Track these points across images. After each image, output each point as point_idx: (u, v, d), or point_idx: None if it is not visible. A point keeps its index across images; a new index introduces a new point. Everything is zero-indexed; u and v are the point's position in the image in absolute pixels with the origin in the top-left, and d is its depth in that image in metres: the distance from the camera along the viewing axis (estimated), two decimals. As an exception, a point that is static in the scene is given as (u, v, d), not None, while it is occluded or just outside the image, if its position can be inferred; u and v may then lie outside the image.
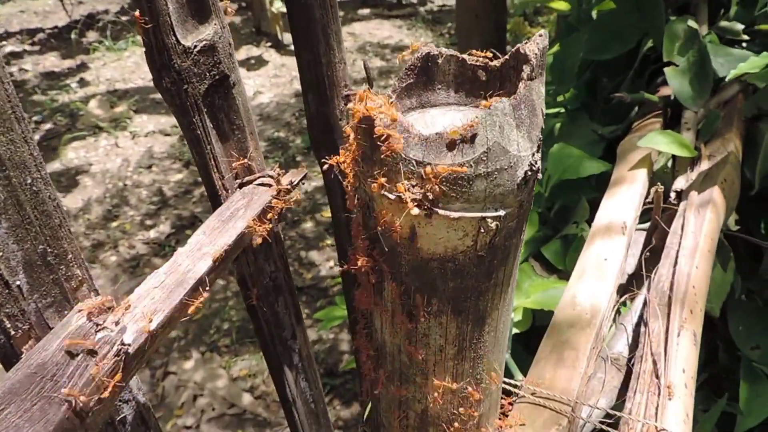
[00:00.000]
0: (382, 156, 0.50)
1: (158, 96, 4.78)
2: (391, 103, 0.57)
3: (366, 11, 6.65)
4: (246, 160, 0.82)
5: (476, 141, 0.49)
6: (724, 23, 1.66)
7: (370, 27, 6.18)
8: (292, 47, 1.03)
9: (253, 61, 5.33)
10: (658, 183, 1.13)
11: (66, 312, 0.58)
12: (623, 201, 1.23)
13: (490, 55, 0.62)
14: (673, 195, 1.27)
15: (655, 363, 0.82)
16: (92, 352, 0.50)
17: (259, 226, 0.77)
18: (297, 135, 4.29)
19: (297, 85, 4.92)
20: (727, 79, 1.23)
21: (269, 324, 1.02)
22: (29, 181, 0.53)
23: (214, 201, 0.85)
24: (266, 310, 1.00)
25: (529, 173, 0.53)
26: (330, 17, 0.95)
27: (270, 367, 1.10)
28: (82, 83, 5.06)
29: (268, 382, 2.44)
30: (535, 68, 0.54)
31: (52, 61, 5.48)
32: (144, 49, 0.69)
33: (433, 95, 0.64)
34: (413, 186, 0.50)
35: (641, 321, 0.96)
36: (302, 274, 3.00)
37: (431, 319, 0.59)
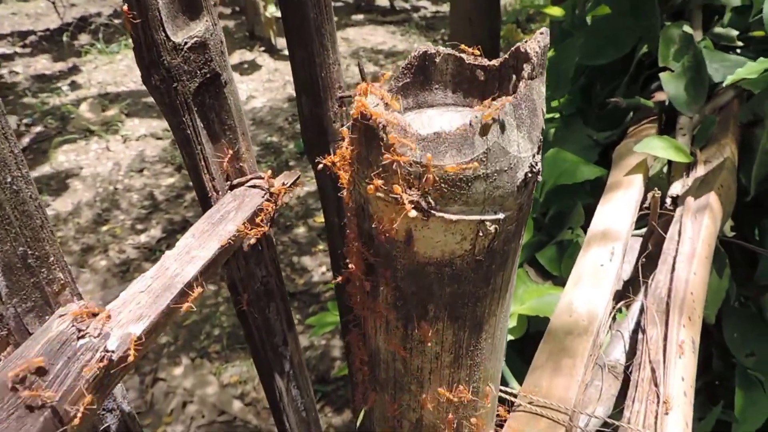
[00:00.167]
0: (380, 158, 0.48)
1: (150, 99, 4.75)
2: (394, 97, 0.56)
3: (360, 17, 6.66)
4: (231, 158, 0.80)
5: (475, 141, 0.48)
6: (718, 29, 1.66)
7: (363, 32, 6.19)
8: (286, 52, 1.01)
9: (246, 66, 5.31)
10: (655, 188, 1.11)
11: (47, 317, 0.55)
12: (619, 206, 1.22)
13: (478, 52, 0.61)
14: (669, 200, 1.26)
15: (653, 371, 0.81)
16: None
17: (251, 229, 0.75)
18: (290, 140, 4.27)
19: (290, 90, 4.90)
20: (724, 85, 1.22)
21: (260, 330, 1.00)
22: (9, 179, 0.51)
23: (204, 203, 0.83)
24: (257, 316, 0.98)
25: (530, 175, 0.51)
26: (324, 17, 0.94)
27: (261, 374, 1.08)
28: (74, 86, 5.02)
29: (259, 388, 2.41)
30: (536, 67, 0.52)
31: (43, 64, 5.44)
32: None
33: (430, 95, 0.63)
34: (410, 187, 0.48)
35: (638, 328, 0.95)
36: (294, 280, 2.98)
37: (427, 325, 0.58)
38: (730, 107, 1.46)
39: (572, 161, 1.56)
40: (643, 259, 1.13)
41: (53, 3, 6.09)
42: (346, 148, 0.52)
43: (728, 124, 1.39)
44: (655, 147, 1.31)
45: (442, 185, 0.48)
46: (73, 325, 0.52)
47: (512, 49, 0.56)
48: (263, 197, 0.81)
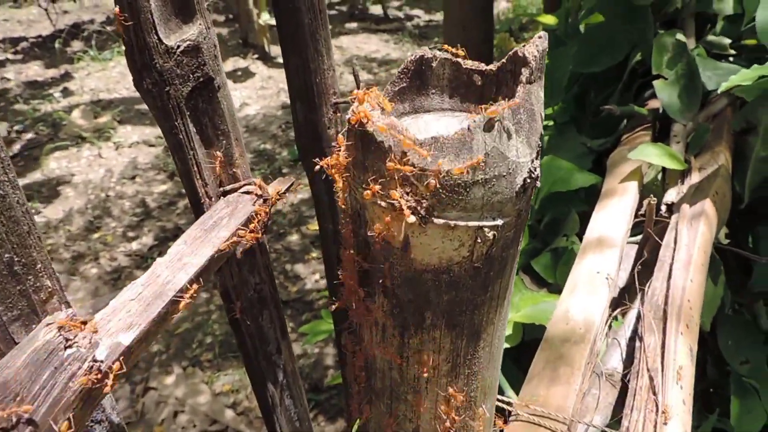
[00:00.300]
0: (377, 163, 0.48)
1: (143, 106, 4.74)
2: (388, 99, 0.55)
3: (353, 25, 6.67)
4: (224, 163, 0.79)
5: (474, 146, 0.47)
6: (711, 38, 1.67)
7: (357, 41, 6.20)
8: (279, 59, 1.00)
9: (239, 73, 5.30)
10: (651, 195, 1.11)
11: (34, 326, 0.54)
12: (614, 214, 1.21)
13: (462, 52, 0.60)
14: (664, 208, 1.25)
15: (651, 379, 0.80)
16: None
17: (244, 234, 0.74)
18: (283, 147, 4.26)
19: (284, 98, 4.90)
20: (718, 91, 1.22)
21: (253, 338, 0.98)
22: (-5, 184, 0.49)
23: (197, 209, 0.82)
24: (250, 324, 0.96)
25: (528, 180, 0.51)
26: (319, 23, 0.93)
27: (253, 383, 1.06)
28: (66, 93, 4.99)
29: (251, 397, 2.38)
30: (535, 71, 0.52)
31: (35, 70, 5.41)
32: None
33: (426, 100, 0.62)
34: (407, 193, 0.47)
35: (635, 336, 0.94)
36: (287, 287, 2.95)
37: (424, 333, 0.57)
38: (724, 115, 1.46)
39: (567, 169, 1.55)
40: (639, 267, 1.12)
41: (46, 10, 6.07)
42: (342, 153, 0.51)
43: (722, 132, 1.39)
44: (649, 154, 1.31)
45: (440, 191, 0.47)
46: (60, 335, 0.51)
47: (510, 53, 0.55)
48: (254, 203, 0.79)
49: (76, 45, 5.92)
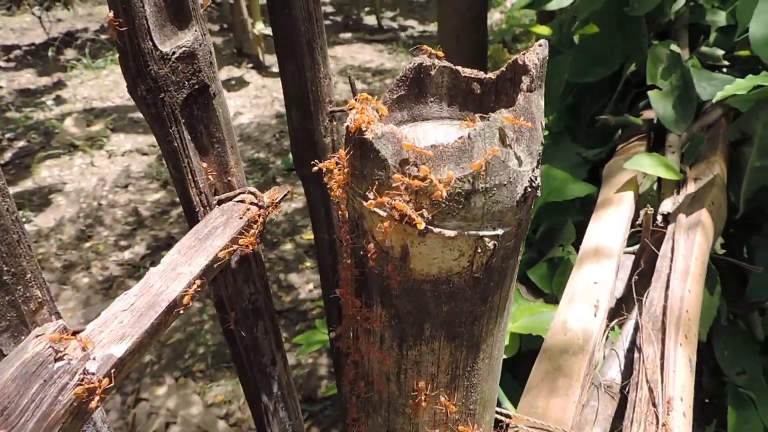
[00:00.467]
0: (376, 171, 0.47)
1: (136, 115, 4.72)
2: (384, 104, 0.54)
3: (348, 35, 6.70)
4: (219, 171, 0.78)
5: (474, 154, 0.46)
6: (704, 49, 1.68)
7: (351, 51, 6.22)
8: (274, 69, 1.00)
9: (233, 82, 5.30)
10: (648, 205, 1.11)
11: (23, 337, 0.52)
12: (611, 224, 1.21)
13: (441, 54, 0.60)
14: (660, 218, 1.25)
15: (651, 391, 0.79)
16: None
17: (240, 243, 0.73)
18: (277, 156, 4.25)
19: (278, 107, 4.89)
20: (713, 101, 1.23)
21: (247, 350, 0.97)
22: (-15, 192, 0.48)
23: (191, 218, 0.81)
24: (245, 335, 0.95)
25: (529, 190, 0.50)
26: (315, 31, 0.93)
27: (248, 395, 1.05)
28: (59, 101, 4.97)
29: (244, 408, 2.36)
30: (535, 79, 0.51)
31: (27, 78, 5.38)
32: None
33: (425, 108, 0.61)
34: (407, 202, 0.47)
35: (634, 347, 0.93)
36: (281, 297, 2.93)
37: (423, 345, 0.55)
38: (718, 125, 1.47)
39: (562, 178, 1.55)
40: (636, 277, 1.12)
41: (39, 18, 6.05)
42: (340, 161, 0.51)
43: (717, 142, 1.40)
44: (644, 164, 1.31)
45: (440, 200, 0.46)
46: (50, 346, 0.49)
47: (510, 61, 0.55)
48: (250, 212, 0.78)
49: (70, 53, 5.90)
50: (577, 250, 1.23)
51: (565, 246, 1.46)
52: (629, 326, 1.03)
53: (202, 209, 0.80)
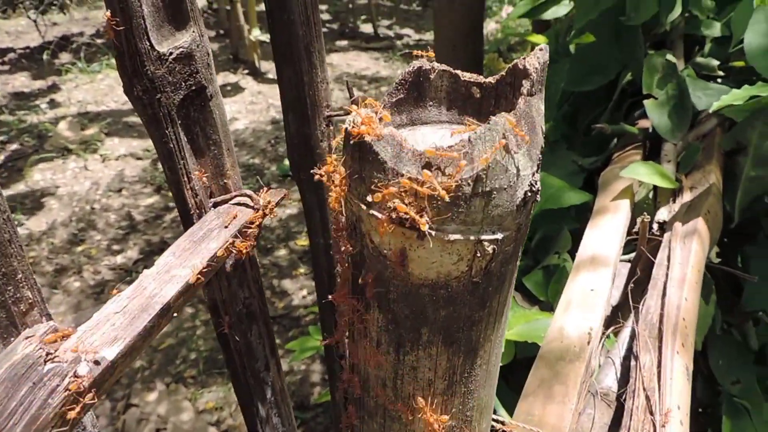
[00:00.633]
0: (374, 174, 0.46)
1: (131, 119, 4.71)
2: (383, 107, 0.54)
3: (344, 43, 6.72)
4: (215, 174, 0.77)
5: (474, 158, 0.46)
6: (699, 59, 1.69)
7: (347, 58, 6.23)
8: (270, 75, 0.99)
9: (229, 88, 5.30)
10: (644, 213, 1.11)
11: (12, 338, 0.51)
12: (607, 231, 1.21)
13: (432, 54, 0.60)
14: (656, 226, 1.25)
15: (648, 399, 0.78)
16: None
17: (236, 246, 0.72)
18: (272, 162, 4.24)
19: (273, 113, 4.89)
20: (710, 111, 1.23)
21: (241, 354, 0.96)
22: (-23, 190, 0.47)
23: (186, 220, 0.80)
24: (238, 339, 0.94)
25: (529, 194, 0.50)
26: (313, 35, 0.93)
27: (240, 400, 1.03)
28: (53, 104, 4.95)
29: (236, 415, 2.33)
30: (536, 83, 0.51)
31: (22, 82, 5.36)
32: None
33: (424, 112, 0.61)
34: (406, 205, 0.46)
35: (630, 354, 0.93)
36: (274, 303, 2.92)
37: (420, 350, 0.55)
38: (713, 135, 1.47)
39: (558, 186, 1.55)
40: (632, 285, 1.12)
41: (35, 21, 6.04)
42: (337, 164, 0.50)
43: (712, 152, 1.40)
44: (640, 173, 1.31)
45: (439, 203, 0.46)
46: (40, 348, 0.48)
47: (510, 65, 0.55)
48: (245, 215, 0.78)
49: (65, 57, 5.89)
50: (573, 257, 1.23)
51: (560, 253, 1.46)
52: (625, 334, 1.02)
53: (198, 212, 0.79)
